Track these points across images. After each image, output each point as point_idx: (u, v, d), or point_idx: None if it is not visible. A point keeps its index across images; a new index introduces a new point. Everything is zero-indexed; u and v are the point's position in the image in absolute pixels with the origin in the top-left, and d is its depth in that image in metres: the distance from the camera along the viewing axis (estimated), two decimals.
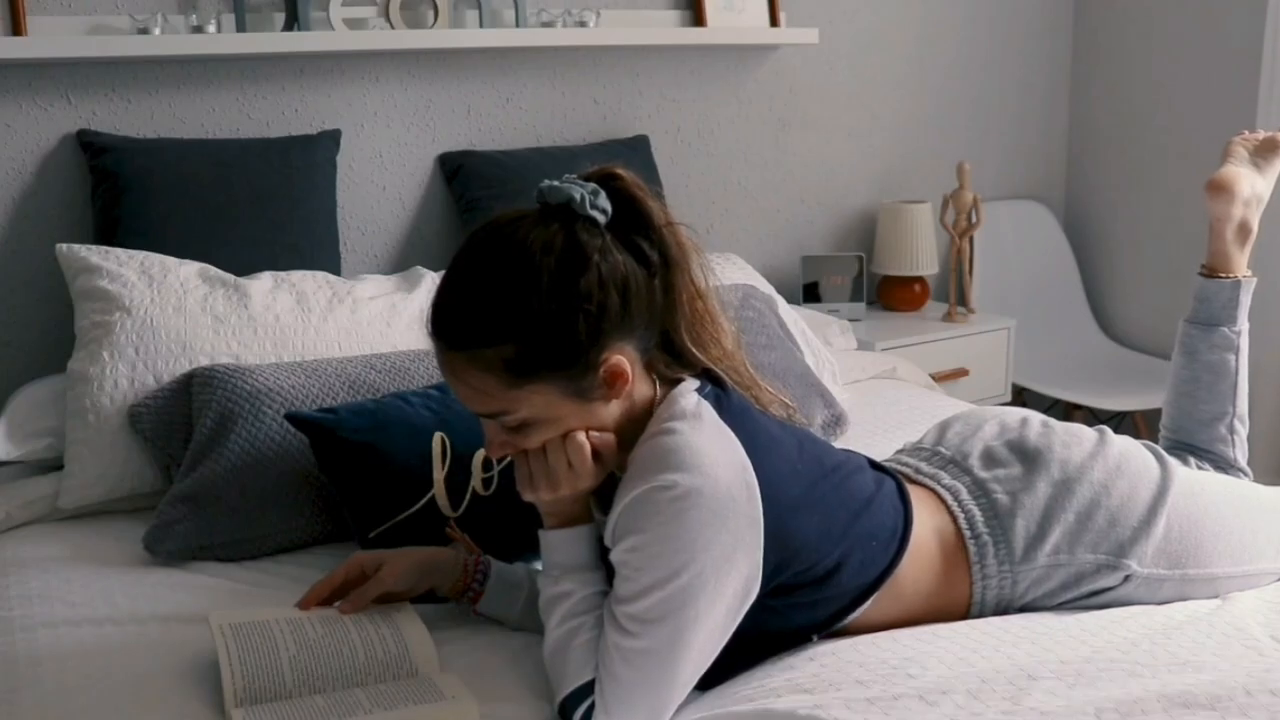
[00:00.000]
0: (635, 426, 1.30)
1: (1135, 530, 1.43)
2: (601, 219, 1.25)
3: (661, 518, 1.21)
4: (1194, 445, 1.79)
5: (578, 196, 1.24)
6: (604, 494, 1.36)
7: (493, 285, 1.22)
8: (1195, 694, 1.20)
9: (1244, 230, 1.77)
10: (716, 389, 1.33)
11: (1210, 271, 1.78)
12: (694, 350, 1.34)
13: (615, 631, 1.24)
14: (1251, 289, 1.77)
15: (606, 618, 1.26)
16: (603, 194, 1.26)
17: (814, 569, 1.30)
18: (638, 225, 1.28)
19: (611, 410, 1.29)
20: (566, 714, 1.27)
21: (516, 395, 1.23)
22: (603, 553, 1.32)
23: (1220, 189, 1.76)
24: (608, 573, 1.32)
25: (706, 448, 1.24)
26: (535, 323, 1.20)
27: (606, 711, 1.24)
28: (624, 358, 1.25)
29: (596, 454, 1.29)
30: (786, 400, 1.46)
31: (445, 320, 1.25)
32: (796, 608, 1.33)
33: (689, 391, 1.30)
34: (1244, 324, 1.77)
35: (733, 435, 1.27)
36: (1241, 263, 1.78)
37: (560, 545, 1.33)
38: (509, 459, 1.36)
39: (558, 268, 1.21)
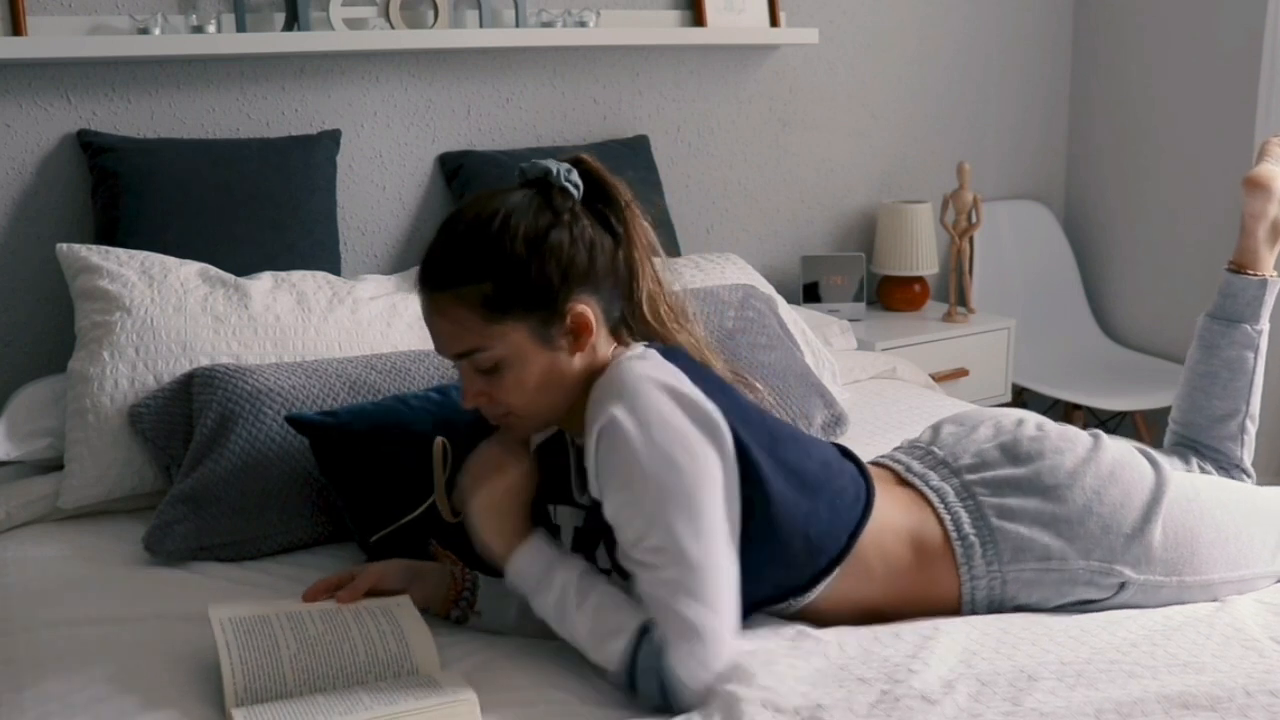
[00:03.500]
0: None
1: (1128, 537, 1.44)
2: (574, 192, 1.38)
3: (623, 454, 1.28)
4: (1200, 442, 1.79)
5: (554, 170, 1.38)
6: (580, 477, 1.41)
7: (474, 233, 1.35)
8: (1195, 695, 1.21)
9: (1276, 230, 1.78)
10: (668, 350, 1.42)
11: (1238, 267, 1.78)
12: (652, 325, 1.44)
13: (644, 572, 1.28)
14: (1277, 289, 1.77)
15: (630, 567, 1.30)
16: (575, 172, 1.39)
17: (788, 519, 1.35)
18: (605, 202, 1.41)
19: (574, 364, 1.37)
20: (632, 672, 1.28)
21: (492, 331, 1.33)
22: (601, 527, 1.35)
23: (1258, 186, 1.76)
24: (582, 542, 1.39)
25: (644, 369, 1.33)
26: (511, 264, 1.33)
27: (692, 654, 1.25)
28: (588, 309, 1.36)
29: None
30: (748, 378, 1.56)
31: (433, 265, 1.38)
32: (773, 564, 1.35)
33: (638, 346, 1.41)
34: (1266, 324, 1.77)
35: (675, 368, 1.36)
36: (1270, 262, 1.78)
37: (527, 563, 1.38)
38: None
39: (533, 221, 1.35)
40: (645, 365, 1.35)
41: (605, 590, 1.34)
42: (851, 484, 1.44)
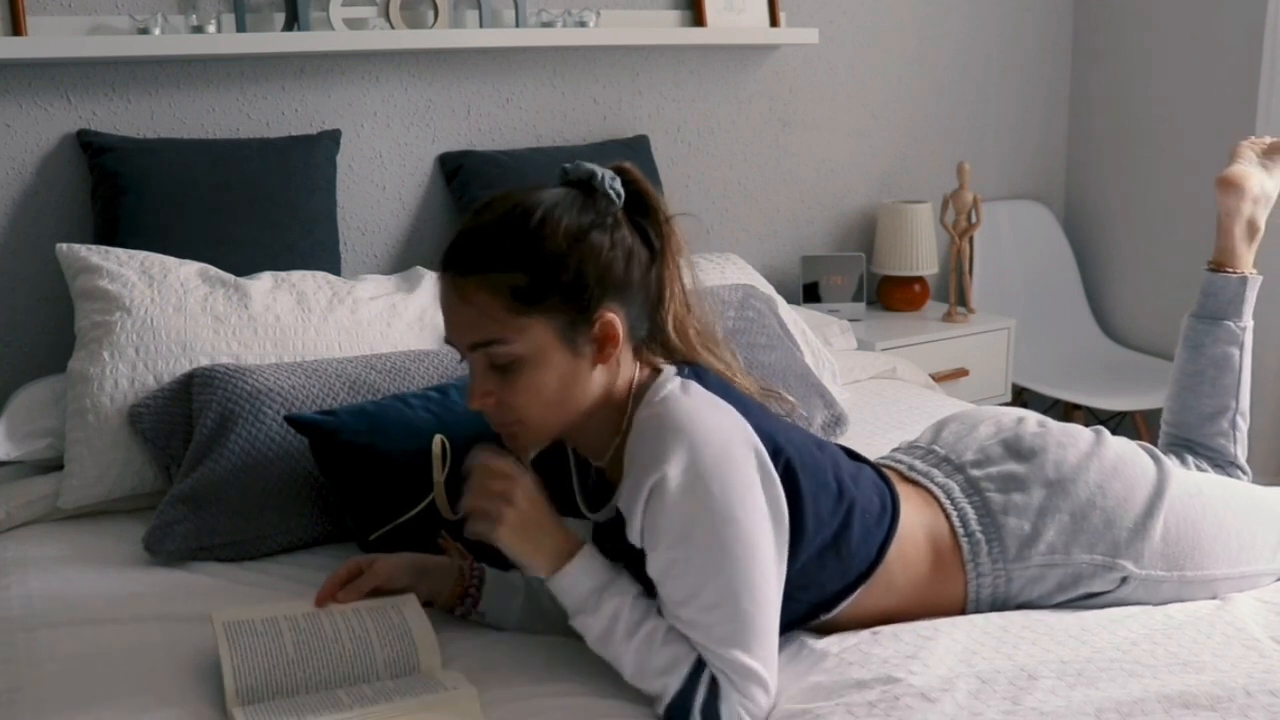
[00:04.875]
0: (613, 410, 1.32)
1: (1131, 531, 1.44)
2: (617, 199, 1.32)
3: (678, 514, 1.22)
4: (1194, 441, 1.80)
5: (599, 174, 1.31)
6: (591, 493, 1.38)
7: (513, 222, 1.27)
8: (1195, 694, 1.20)
9: (1252, 227, 1.81)
10: (694, 370, 1.35)
11: (1217, 266, 1.81)
12: (676, 345, 1.37)
13: (695, 631, 1.24)
14: (1257, 286, 1.79)
15: (679, 625, 1.25)
16: (620, 180, 1.33)
17: (816, 537, 1.32)
18: (645, 215, 1.34)
19: (595, 378, 1.30)
20: (685, 711, 1.25)
21: (517, 323, 1.25)
22: (614, 547, 1.32)
23: (1230, 185, 1.79)
24: (614, 554, 1.33)
25: (694, 408, 1.27)
26: (549, 257, 1.26)
27: (744, 702, 1.24)
28: (618, 320, 1.29)
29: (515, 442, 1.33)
30: (779, 391, 1.49)
31: (462, 247, 1.29)
32: (807, 588, 1.34)
33: (671, 375, 1.33)
34: (1249, 320, 1.79)
35: (720, 399, 1.30)
36: (1248, 259, 1.81)
37: (579, 578, 1.29)
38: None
39: (575, 219, 1.28)
40: (693, 404, 1.28)
41: (655, 621, 1.27)
42: (876, 493, 1.41)
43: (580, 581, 1.29)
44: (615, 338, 1.29)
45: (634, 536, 1.27)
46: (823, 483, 1.34)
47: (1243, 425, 1.79)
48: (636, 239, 1.32)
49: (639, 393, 1.32)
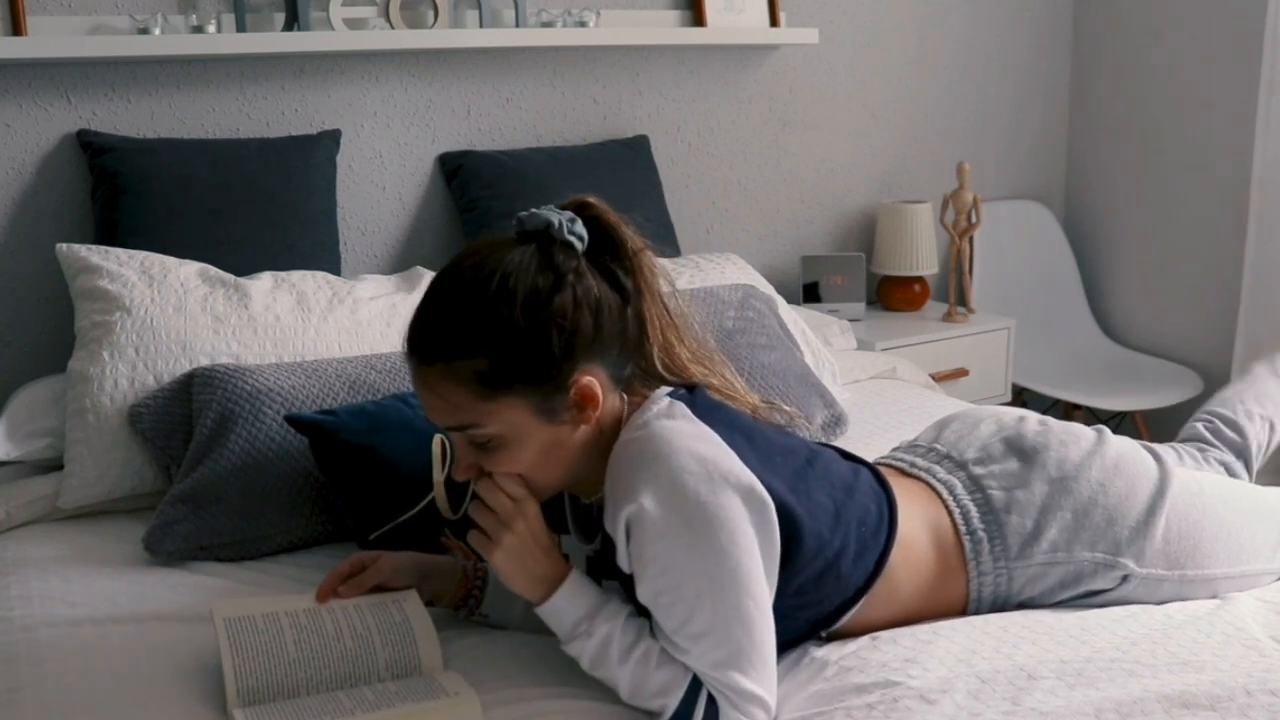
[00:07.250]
0: (601, 451, 1.30)
1: (1133, 530, 1.44)
2: (578, 245, 1.27)
3: (659, 546, 1.21)
4: (1231, 418, 1.81)
5: (555, 222, 1.26)
6: (583, 522, 1.39)
7: (468, 300, 1.23)
8: (1195, 694, 1.21)
9: None
10: (686, 392, 1.34)
11: None
12: (666, 376, 1.35)
13: (689, 658, 1.23)
14: None
15: (674, 651, 1.25)
16: (579, 221, 1.28)
17: (818, 557, 1.31)
18: (612, 252, 1.30)
19: (579, 436, 1.28)
20: None
21: (488, 409, 1.23)
22: (610, 570, 1.32)
23: None
24: (604, 570, 1.32)
25: (673, 435, 1.24)
26: (508, 336, 1.22)
27: (748, 715, 1.23)
28: (594, 380, 1.26)
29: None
30: (778, 403, 1.47)
31: (420, 335, 1.26)
32: (805, 607, 1.33)
33: (661, 397, 1.31)
34: None
35: (706, 426, 1.28)
36: None
37: (566, 606, 1.29)
38: None
39: (533, 285, 1.23)
40: (674, 430, 1.25)
41: (649, 643, 1.26)
42: (873, 499, 1.40)
43: (568, 609, 1.28)
44: (594, 399, 1.26)
45: (622, 563, 1.26)
46: (817, 503, 1.32)
47: (1276, 437, 1.81)
48: (604, 285, 1.27)
49: (627, 420, 1.31)
